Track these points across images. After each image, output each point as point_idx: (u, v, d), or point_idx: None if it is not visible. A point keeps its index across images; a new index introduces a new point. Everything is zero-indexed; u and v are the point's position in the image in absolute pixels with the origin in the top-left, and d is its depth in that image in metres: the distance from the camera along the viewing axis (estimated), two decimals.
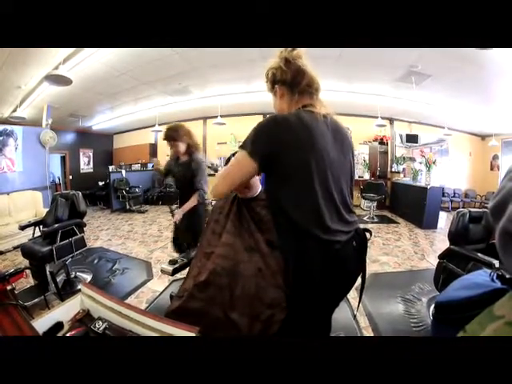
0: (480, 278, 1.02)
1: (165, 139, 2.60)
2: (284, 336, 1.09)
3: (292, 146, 1.00)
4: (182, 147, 2.64)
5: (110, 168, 9.07)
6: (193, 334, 0.78)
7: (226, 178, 1.11)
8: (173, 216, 2.60)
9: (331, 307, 1.19)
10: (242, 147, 1.05)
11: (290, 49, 1.10)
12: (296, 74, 1.10)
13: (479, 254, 2.07)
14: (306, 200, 1.02)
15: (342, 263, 1.07)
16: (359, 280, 1.23)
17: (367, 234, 1.20)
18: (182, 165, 2.66)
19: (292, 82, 1.11)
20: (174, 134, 2.59)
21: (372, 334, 2.26)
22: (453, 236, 2.50)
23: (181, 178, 2.70)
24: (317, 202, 1.02)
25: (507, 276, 0.91)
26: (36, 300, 2.46)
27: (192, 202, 2.54)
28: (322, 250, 1.03)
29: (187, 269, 1.57)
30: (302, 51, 1.12)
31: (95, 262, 3.86)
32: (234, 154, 1.41)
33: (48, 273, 2.73)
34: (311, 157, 1.01)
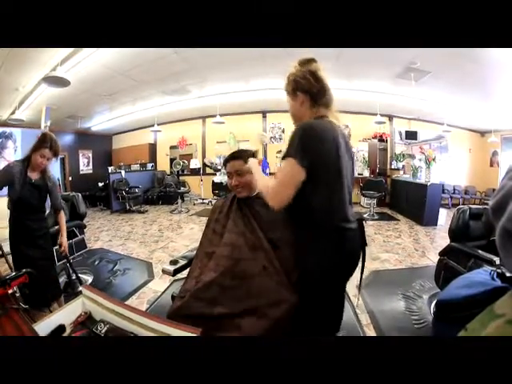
0: (480, 277, 1.02)
1: (55, 154, 2.10)
2: (302, 324, 1.24)
3: (325, 152, 1.15)
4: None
5: (110, 169, 9.07)
6: (195, 335, 0.78)
7: (281, 189, 1.14)
8: (63, 252, 2.31)
9: (345, 282, 1.36)
10: (289, 156, 1.13)
11: (314, 62, 1.28)
12: (321, 89, 1.25)
13: (480, 251, 2.07)
14: (335, 198, 1.20)
15: (354, 245, 1.27)
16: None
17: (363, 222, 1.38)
18: (34, 184, 2.10)
19: (316, 95, 1.25)
20: (57, 144, 2.11)
21: (373, 332, 2.27)
22: (453, 233, 2.50)
23: (31, 200, 2.11)
24: (342, 199, 1.22)
25: (507, 274, 0.92)
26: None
27: (64, 226, 2.33)
28: (344, 237, 1.21)
29: (188, 269, 1.57)
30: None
31: (96, 263, 3.85)
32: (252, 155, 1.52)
33: None
34: (337, 161, 1.18)
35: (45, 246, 2.19)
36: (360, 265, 1.38)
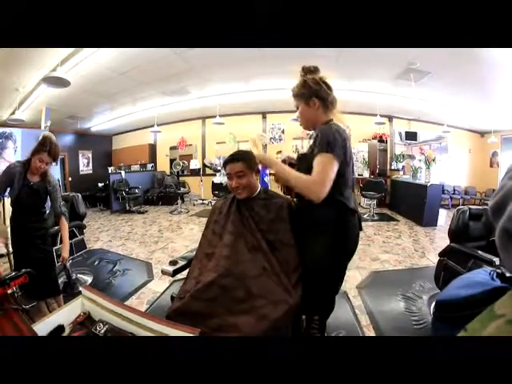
0: (480, 277, 1.02)
1: (54, 159, 2.08)
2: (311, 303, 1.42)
3: (347, 150, 1.34)
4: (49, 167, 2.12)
5: (110, 169, 9.07)
6: (194, 336, 0.78)
7: (326, 182, 1.26)
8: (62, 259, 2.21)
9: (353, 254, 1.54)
10: (327, 152, 1.27)
11: (319, 71, 1.44)
12: (333, 98, 1.45)
13: (479, 252, 2.06)
14: (350, 187, 1.44)
15: (359, 225, 1.50)
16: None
17: None
18: (33, 187, 2.07)
19: (329, 102, 1.43)
20: (57, 149, 2.08)
21: (373, 333, 2.26)
22: (453, 233, 2.50)
23: (29, 202, 2.09)
24: (353, 189, 1.47)
25: (507, 275, 0.91)
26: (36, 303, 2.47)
27: (66, 232, 2.27)
28: (357, 219, 1.46)
29: (187, 270, 1.57)
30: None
31: (96, 263, 3.85)
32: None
33: None
34: (350, 155, 1.39)
35: (43, 247, 2.18)
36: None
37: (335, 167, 1.27)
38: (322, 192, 1.24)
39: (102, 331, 0.90)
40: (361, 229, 1.52)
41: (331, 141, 1.28)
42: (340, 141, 1.30)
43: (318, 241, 1.40)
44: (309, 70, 1.43)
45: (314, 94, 1.40)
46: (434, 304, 1.37)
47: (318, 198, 1.25)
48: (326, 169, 1.26)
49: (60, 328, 0.95)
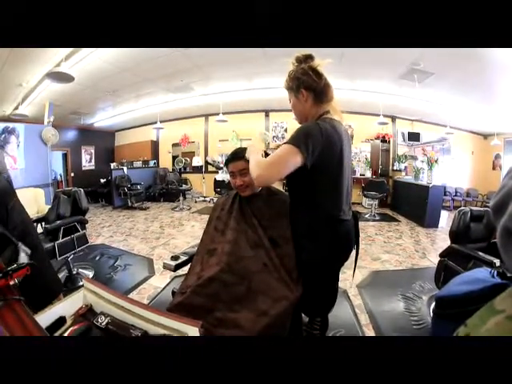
0: (480, 274, 1.02)
1: None
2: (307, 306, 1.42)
3: (329, 148, 1.21)
4: None
5: (112, 165, 9.08)
6: (195, 328, 0.78)
7: (275, 167, 1.17)
8: None
9: (342, 263, 1.46)
10: (291, 142, 1.16)
11: (312, 58, 1.31)
12: (324, 87, 1.31)
13: (480, 253, 2.06)
14: (333, 191, 1.30)
15: (349, 234, 1.40)
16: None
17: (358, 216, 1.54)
18: None
19: (319, 92, 1.31)
20: None
21: (372, 332, 2.27)
22: (454, 234, 2.49)
23: None
24: (341, 192, 1.32)
25: (508, 275, 0.92)
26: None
27: None
28: (340, 226, 1.34)
29: (189, 265, 1.57)
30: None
31: (97, 258, 3.87)
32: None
33: None
34: (339, 157, 1.26)
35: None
36: (354, 253, 1.52)
37: (292, 159, 1.14)
38: (261, 176, 1.17)
39: (104, 323, 0.91)
40: (357, 234, 1.47)
41: (299, 134, 1.19)
42: (315, 137, 1.17)
43: (298, 247, 1.40)
44: (299, 60, 1.33)
45: (301, 84, 1.30)
46: (433, 304, 1.37)
47: (256, 180, 1.20)
48: (276, 156, 1.18)
49: (61, 319, 0.96)
